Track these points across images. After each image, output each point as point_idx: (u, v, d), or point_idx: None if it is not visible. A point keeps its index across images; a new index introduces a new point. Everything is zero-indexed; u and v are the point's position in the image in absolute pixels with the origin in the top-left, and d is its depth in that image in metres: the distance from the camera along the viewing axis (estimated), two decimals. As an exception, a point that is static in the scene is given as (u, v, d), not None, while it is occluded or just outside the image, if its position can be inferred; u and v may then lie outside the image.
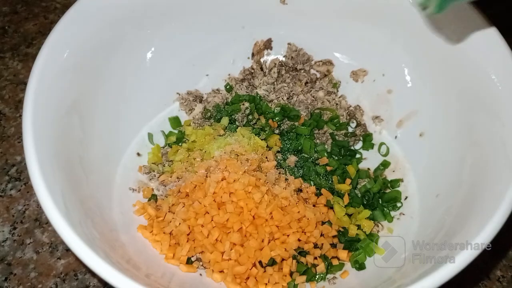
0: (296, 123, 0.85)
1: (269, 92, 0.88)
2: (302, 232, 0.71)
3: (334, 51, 0.89)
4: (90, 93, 0.72)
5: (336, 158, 0.82)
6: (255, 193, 0.71)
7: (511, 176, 0.58)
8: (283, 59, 0.91)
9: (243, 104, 0.86)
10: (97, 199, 0.68)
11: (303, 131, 0.82)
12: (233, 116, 0.85)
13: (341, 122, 0.86)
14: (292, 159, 0.80)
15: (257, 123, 0.84)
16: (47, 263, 0.75)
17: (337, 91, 0.90)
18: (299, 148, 0.82)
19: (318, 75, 0.90)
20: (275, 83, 0.89)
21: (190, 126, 0.85)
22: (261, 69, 0.91)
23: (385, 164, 0.82)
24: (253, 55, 0.91)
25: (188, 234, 0.70)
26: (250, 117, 0.85)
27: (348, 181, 0.78)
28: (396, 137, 0.84)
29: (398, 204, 0.77)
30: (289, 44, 0.90)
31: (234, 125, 0.84)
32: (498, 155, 0.62)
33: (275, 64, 0.90)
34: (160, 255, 0.70)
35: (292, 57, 0.90)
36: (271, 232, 0.70)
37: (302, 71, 0.89)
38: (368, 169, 0.82)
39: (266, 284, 0.67)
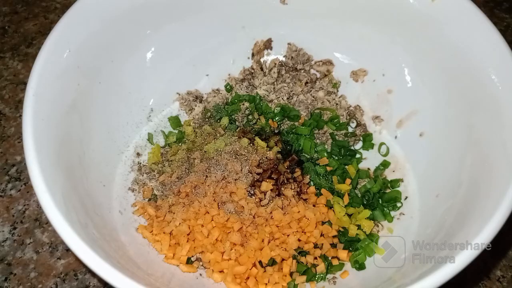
0: (296, 123, 0.85)
1: (269, 92, 0.88)
2: (302, 232, 0.71)
3: (334, 51, 0.89)
4: (90, 93, 0.72)
5: (336, 158, 0.82)
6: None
7: (511, 176, 0.58)
8: (283, 59, 0.91)
9: (243, 104, 0.86)
10: (97, 199, 0.68)
11: (303, 131, 0.82)
12: (233, 116, 0.85)
13: (341, 122, 0.86)
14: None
15: (257, 123, 0.84)
16: (47, 263, 0.75)
17: (337, 91, 0.90)
18: (299, 148, 0.82)
19: (318, 75, 0.90)
20: (275, 83, 0.89)
21: (190, 126, 0.85)
22: (261, 69, 0.91)
23: (385, 164, 0.82)
24: (253, 55, 0.91)
25: (188, 234, 0.70)
26: (250, 117, 0.85)
27: (348, 181, 0.78)
28: (396, 137, 0.84)
29: (398, 204, 0.77)
30: (289, 44, 0.90)
31: (234, 125, 0.84)
32: (498, 155, 0.62)
33: (275, 64, 0.90)
34: (160, 255, 0.70)
35: (292, 57, 0.90)
36: (271, 232, 0.70)
37: (302, 71, 0.89)
38: (368, 169, 0.82)
39: (266, 284, 0.67)
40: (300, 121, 0.85)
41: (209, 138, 0.80)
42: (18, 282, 0.73)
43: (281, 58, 0.91)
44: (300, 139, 0.82)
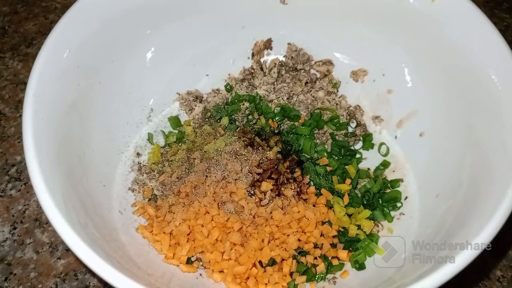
0: (296, 123, 0.85)
1: (269, 92, 0.88)
2: (302, 232, 0.71)
3: (334, 51, 0.89)
4: (90, 93, 0.72)
5: (336, 158, 0.82)
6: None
7: (511, 176, 0.58)
8: (283, 59, 0.91)
9: (243, 104, 0.86)
10: (97, 199, 0.68)
11: (303, 131, 0.82)
12: (233, 116, 0.85)
13: (341, 122, 0.86)
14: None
15: (257, 123, 0.84)
16: (47, 263, 0.75)
17: (337, 91, 0.90)
18: (299, 148, 0.82)
19: (318, 75, 0.90)
20: (275, 83, 0.89)
21: (190, 126, 0.85)
22: (261, 69, 0.91)
23: (385, 164, 0.82)
24: (253, 55, 0.91)
25: (188, 234, 0.70)
26: (250, 117, 0.85)
27: (348, 181, 0.78)
28: (396, 137, 0.84)
29: (398, 204, 0.77)
30: (289, 44, 0.90)
31: (234, 125, 0.84)
32: (498, 155, 0.62)
33: (275, 64, 0.90)
34: (160, 255, 0.70)
35: (292, 57, 0.90)
36: (271, 232, 0.70)
37: (302, 71, 0.89)
38: (368, 169, 0.82)
39: (266, 284, 0.67)
40: (300, 121, 0.85)
41: (209, 138, 0.80)
42: (18, 282, 0.73)
43: (281, 58, 0.91)
44: (300, 139, 0.82)
